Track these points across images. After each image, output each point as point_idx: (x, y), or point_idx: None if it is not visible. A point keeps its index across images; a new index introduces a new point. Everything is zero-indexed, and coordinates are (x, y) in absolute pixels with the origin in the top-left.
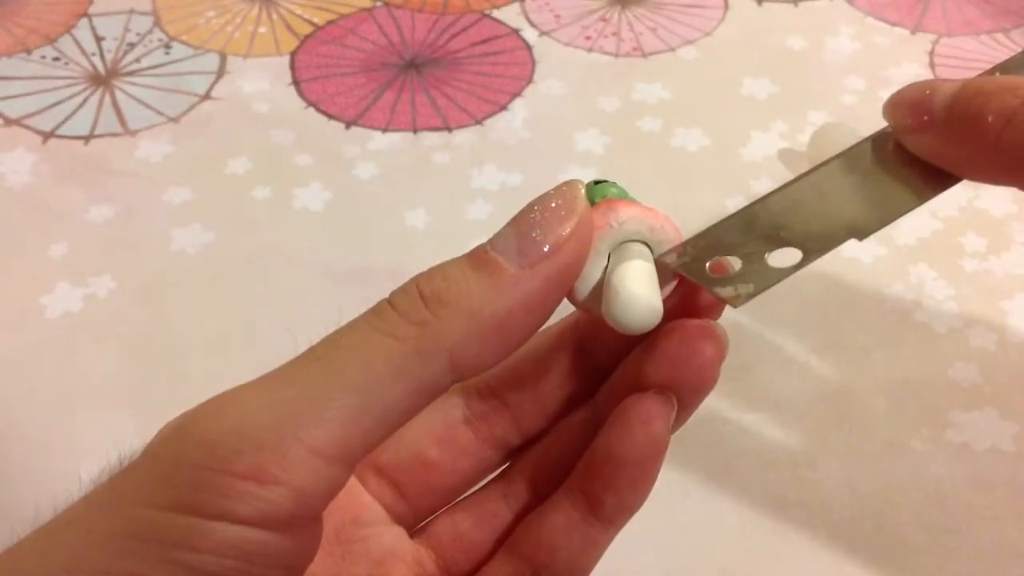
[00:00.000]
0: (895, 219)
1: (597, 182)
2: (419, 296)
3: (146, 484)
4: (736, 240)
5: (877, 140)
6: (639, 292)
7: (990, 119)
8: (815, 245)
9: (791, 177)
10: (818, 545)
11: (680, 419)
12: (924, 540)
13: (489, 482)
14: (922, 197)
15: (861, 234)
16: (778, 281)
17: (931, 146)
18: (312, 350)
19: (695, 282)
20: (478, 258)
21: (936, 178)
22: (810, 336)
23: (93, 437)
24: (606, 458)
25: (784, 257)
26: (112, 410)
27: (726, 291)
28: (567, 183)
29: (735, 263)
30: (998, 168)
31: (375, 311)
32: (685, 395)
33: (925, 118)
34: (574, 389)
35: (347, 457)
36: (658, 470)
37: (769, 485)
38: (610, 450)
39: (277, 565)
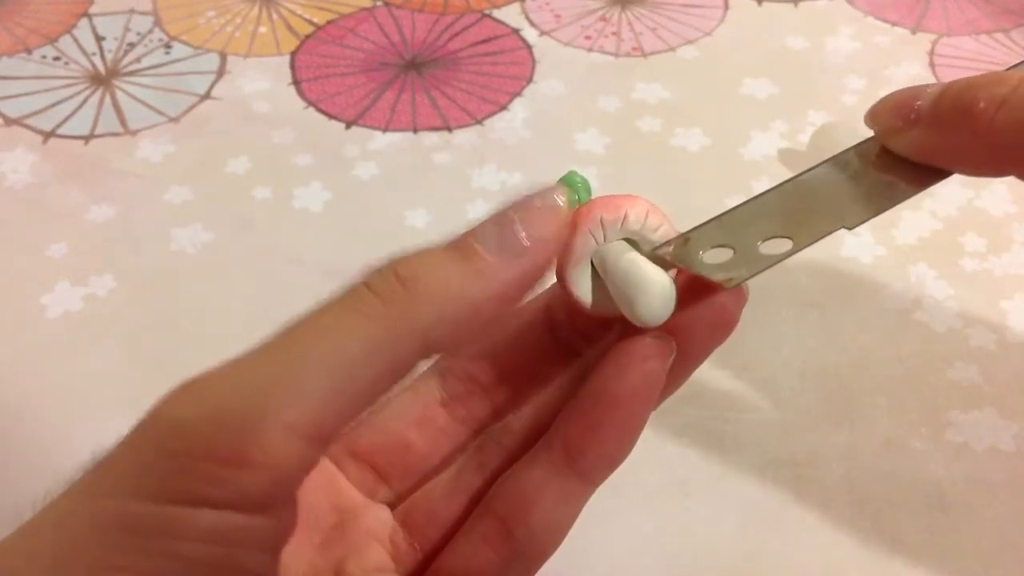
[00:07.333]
0: (885, 210)
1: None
2: (395, 277)
3: (125, 475)
4: (728, 234)
5: (861, 149)
6: (656, 286)
7: (981, 105)
8: (806, 233)
9: (791, 177)
10: (818, 545)
11: (686, 365)
12: (924, 540)
13: (464, 457)
14: (910, 191)
15: (851, 223)
16: (770, 266)
17: (919, 141)
18: (285, 331)
19: (688, 270)
20: (458, 246)
21: (924, 175)
22: (810, 336)
23: (93, 437)
24: (595, 399)
25: (776, 246)
26: (112, 410)
27: (719, 275)
28: (550, 188)
29: (727, 253)
30: (989, 154)
31: (350, 292)
32: (701, 333)
33: (912, 116)
34: (546, 370)
35: (322, 435)
36: (645, 418)
37: (769, 485)
38: (601, 389)
39: (258, 548)
